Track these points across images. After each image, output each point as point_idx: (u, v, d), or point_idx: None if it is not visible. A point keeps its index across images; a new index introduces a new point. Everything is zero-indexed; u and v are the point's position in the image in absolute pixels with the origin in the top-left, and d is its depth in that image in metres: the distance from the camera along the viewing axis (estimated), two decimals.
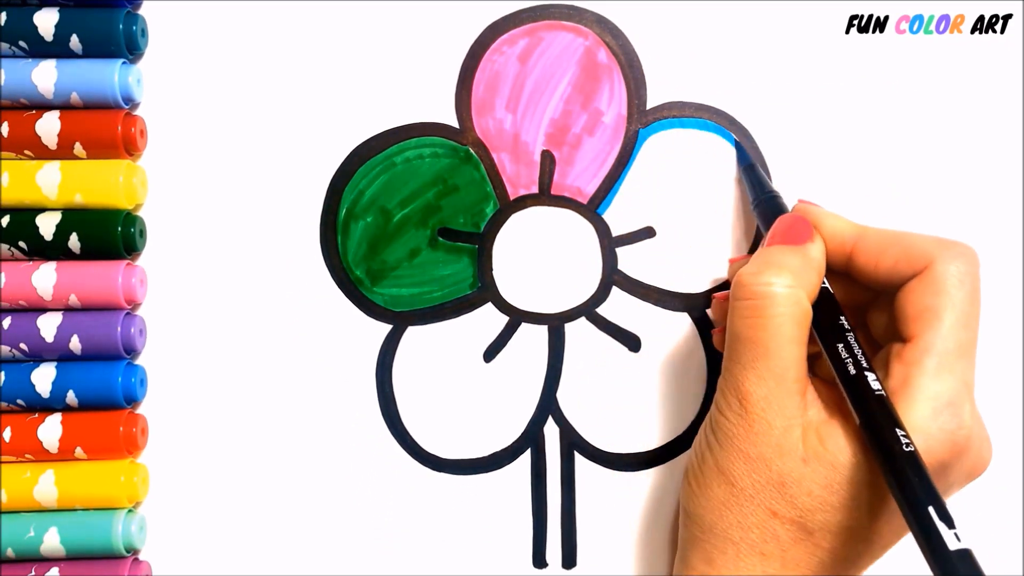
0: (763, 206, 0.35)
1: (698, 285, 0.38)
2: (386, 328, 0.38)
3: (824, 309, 0.31)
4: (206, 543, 0.38)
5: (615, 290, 0.38)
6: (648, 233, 0.38)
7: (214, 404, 0.38)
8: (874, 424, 0.28)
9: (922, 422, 0.28)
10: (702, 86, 0.38)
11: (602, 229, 0.38)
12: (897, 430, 0.27)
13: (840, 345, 0.30)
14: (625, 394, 0.38)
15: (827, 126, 0.38)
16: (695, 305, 0.38)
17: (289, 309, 0.38)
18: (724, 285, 0.38)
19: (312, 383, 0.38)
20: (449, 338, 0.38)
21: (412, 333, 0.38)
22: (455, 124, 0.38)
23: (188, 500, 0.38)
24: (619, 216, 0.38)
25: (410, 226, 0.38)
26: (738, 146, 0.37)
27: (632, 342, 0.38)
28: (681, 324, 0.38)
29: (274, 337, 0.38)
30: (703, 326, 0.38)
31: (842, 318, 0.31)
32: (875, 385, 0.29)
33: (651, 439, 0.38)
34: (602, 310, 0.38)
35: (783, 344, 0.29)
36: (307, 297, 0.38)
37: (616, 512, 0.38)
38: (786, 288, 0.30)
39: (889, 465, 0.27)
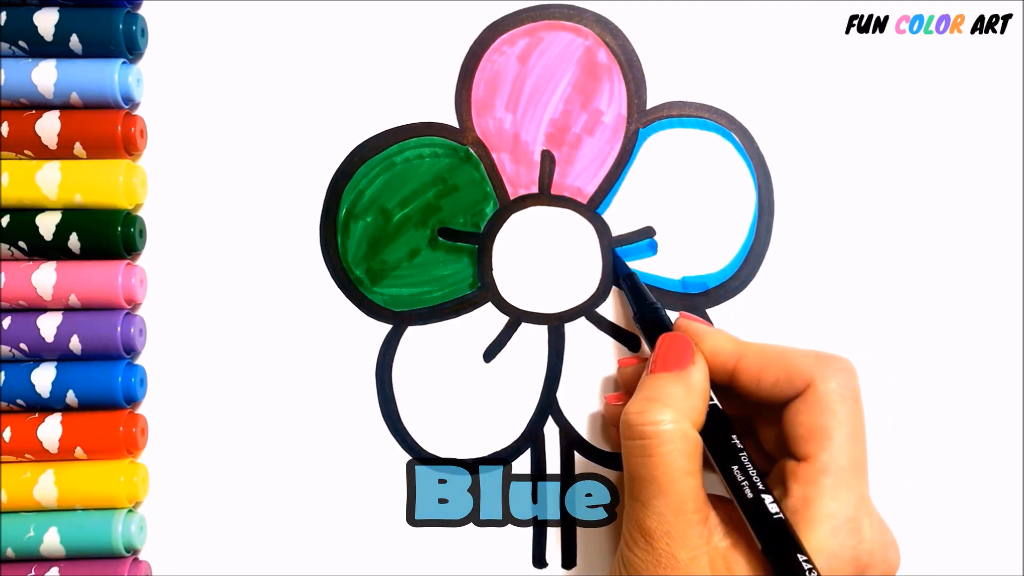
0: (645, 320, 0.35)
1: (697, 286, 0.38)
2: (386, 328, 0.38)
3: (714, 429, 0.31)
4: (206, 543, 0.38)
5: (615, 290, 0.38)
6: (648, 233, 0.38)
7: (214, 404, 0.38)
8: (776, 550, 0.28)
9: (824, 542, 0.29)
10: (702, 86, 0.38)
11: (602, 229, 0.38)
12: (799, 556, 0.28)
13: (735, 467, 0.30)
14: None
15: (827, 126, 0.38)
16: (694, 305, 0.38)
17: (289, 309, 0.38)
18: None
19: (312, 383, 0.38)
20: (449, 338, 0.38)
21: (412, 333, 0.38)
22: (455, 124, 0.38)
23: (188, 500, 0.38)
24: (619, 216, 0.38)
25: (410, 226, 0.38)
26: (615, 256, 0.37)
27: (632, 342, 0.38)
28: None
29: (274, 337, 0.38)
30: None
31: (733, 437, 0.31)
32: (773, 508, 0.29)
33: None
34: (602, 310, 0.38)
35: (676, 479, 0.29)
36: (307, 297, 0.38)
37: (612, 509, 0.38)
38: (672, 424, 0.30)
39: None
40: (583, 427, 0.38)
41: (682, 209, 0.38)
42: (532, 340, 0.38)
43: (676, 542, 0.29)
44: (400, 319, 0.38)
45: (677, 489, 0.29)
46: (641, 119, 0.38)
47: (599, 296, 0.38)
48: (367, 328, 0.38)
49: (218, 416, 0.38)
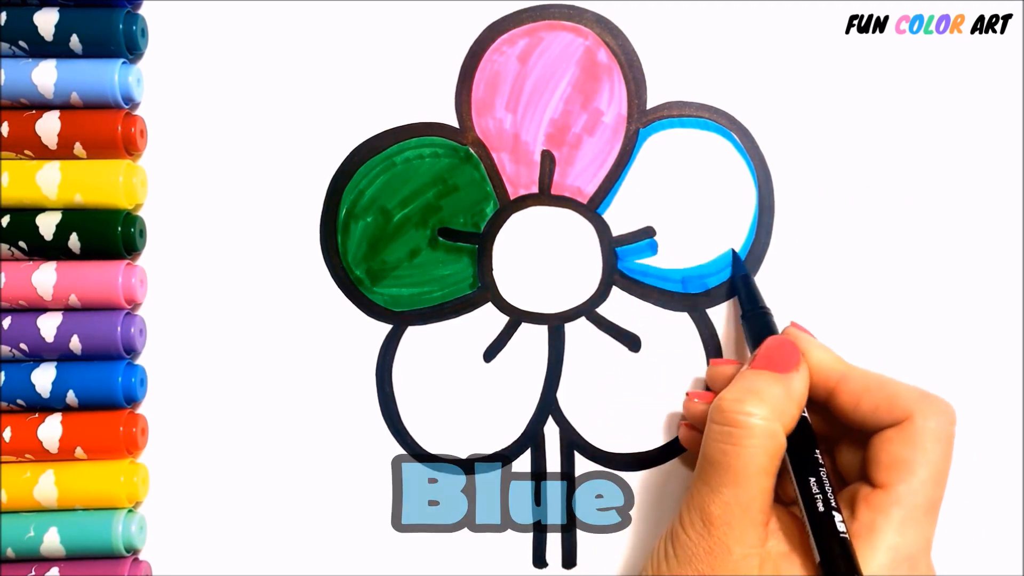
0: (753, 321, 0.35)
1: (698, 286, 0.38)
2: (386, 328, 0.38)
3: (799, 439, 0.31)
4: (206, 543, 0.37)
5: (615, 290, 0.38)
6: (648, 233, 0.38)
7: (214, 404, 0.38)
8: (834, 566, 0.28)
9: (879, 571, 0.29)
10: (702, 86, 0.38)
11: (602, 229, 0.38)
12: (860, 573, 0.28)
13: (812, 479, 0.30)
14: (625, 394, 0.37)
15: (827, 125, 0.38)
16: (695, 305, 0.38)
17: (289, 309, 0.38)
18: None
19: (312, 383, 0.37)
20: (449, 338, 0.38)
21: (412, 333, 0.38)
22: (455, 124, 0.38)
23: (188, 500, 0.37)
24: (619, 216, 0.38)
25: (410, 226, 0.38)
26: (734, 255, 0.37)
27: (632, 342, 0.38)
28: (681, 324, 0.38)
29: (274, 337, 0.38)
30: (703, 326, 0.38)
31: (816, 452, 0.31)
32: (840, 527, 0.29)
33: (650, 439, 0.37)
34: (602, 310, 0.38)
35: (753, 475, 0.29)
36: (307, 297, 0.38)
37: (614, 511, 0.38)
38: (764, 420, 0.30)
39: None
40: (583, 427, 0.38)
41: (682, 209, 0.38)
42: (532, 340, 0.38)
43: (734, 535, 0.29)
44: (400, 319, 0.38)
45: (751, 484, 0.29)
46: (641, 119, 0.38)
47: (599, 296, 0.38)
48: (367, 328, 0.38)
49: (218, 416, 0.38)
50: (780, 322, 0.35)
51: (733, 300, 0.38)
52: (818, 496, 0.30)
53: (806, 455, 0.31)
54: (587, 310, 0.38)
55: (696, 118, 0.38)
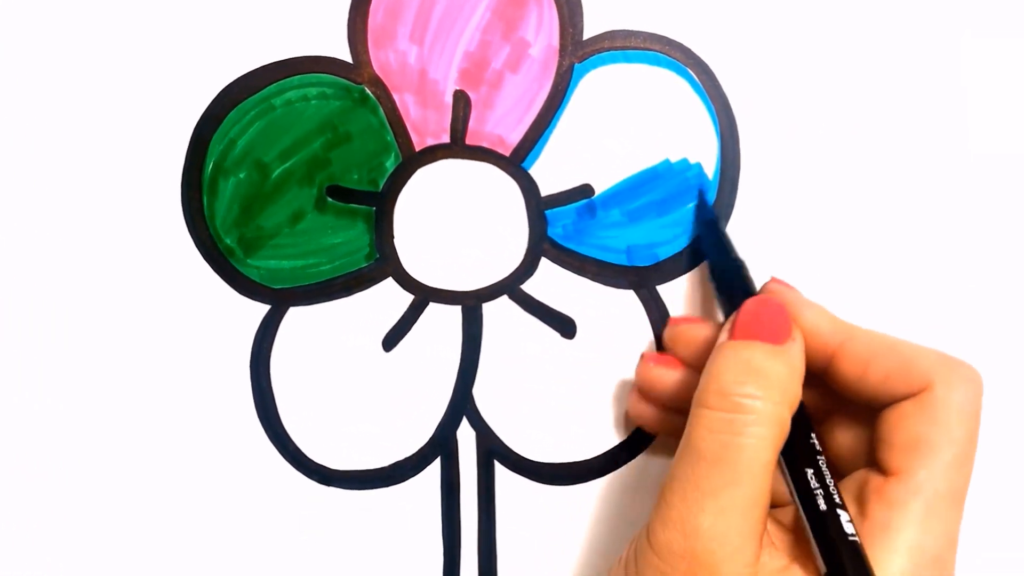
0: (725, 277, 0.31)
1: (646, 257, 0.33)
2: (263, 309, 0.34)
3: (793, 423, 0.28)
4: (46, 552, 0.34)
5: (544, 262, 0.34)
6: (585, 192, 0.33)
7: (60, 401, 0.34)
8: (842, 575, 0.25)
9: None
10: (652, 11, 0.33)
11: (529, 187, 0.33)
12: None
13: (809, 471, 0.27)
14: (556, 390, 0.34)
15: (802, 60, 0.34)
16: (643, 281, 0.33)
17: (144, 285, 0.33)
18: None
19: (173, 376, 0.33)
20: (340, 321, 0.34)
21: (294, 315, 0.34)
22: (347, 58, 0.33)
23: (33, 507, 0.34)
24: (549, 171, 0.33)
25: (292, 184, 0.33)
26: (700, 197, 0.33)
27: (565, 326, 0.34)
28: (625, 304, 0.34)
29: (126, 319, 0.33)
30: (652, 306, 0.33)
31: (812, 436, 0.28)
32: (848, 527, 0.26)
33: (588, 446, 0.34)
34: (528, 287, 0.34)
35: (758, 473, 0.26)
36: (166, 271, 0.33)
37: (543, 533, 0.33)
38: (773, 404, 0.26)
39: None
40: (505, 431, 0.34)
41: (627, 163, 0.33)
42: (442, 324, 0.34)
43: (726, 553, 0.25)
44: (280, 298, 0.34)
45: (755, 485, 0.26)
46: (577, 52, 0.33)
47: (525, 270, 0.33)
48: (239, 309, 0.34)
49: (64, 415, 0.34)
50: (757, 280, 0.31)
51: (689, 275, 0.34)
52: (818, 492, 0.27)
53: (800, 441, 0.28)
54: (510, 287, 0.34)
55: (644, 51, 0.33)
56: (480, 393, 0.33)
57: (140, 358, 0.33)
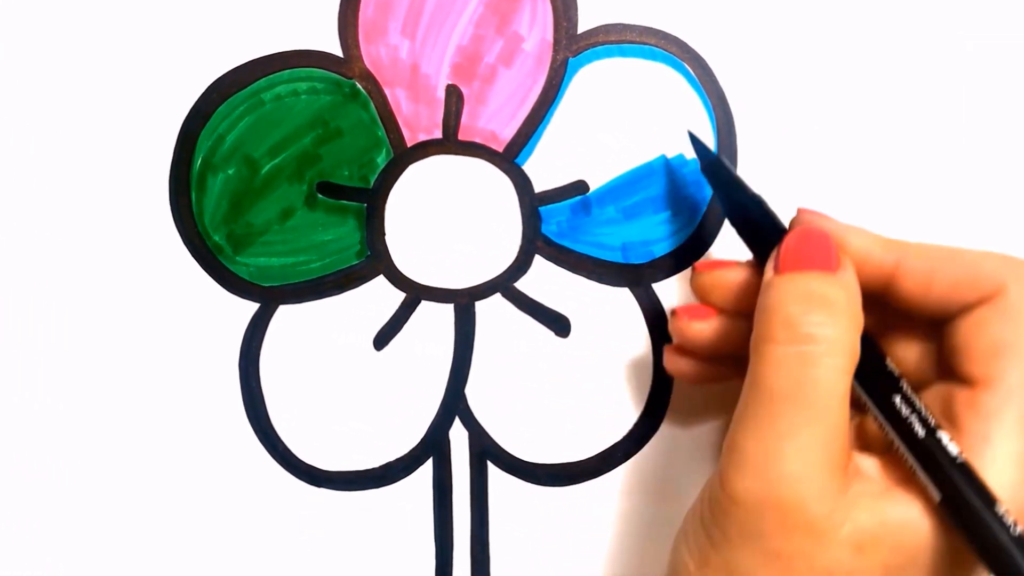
0: (747, 218, 0.29)
1: (642, 254, 0.33)
2: (252, 307, 0.33)
3: (864, 352, 0.26)
4: (41, 554, 0.33)
5: (538, 260, 0.33)
6: (579, 188, 0.33)
7: (44, 399, 0.33)
8: (963, 502, 0.24)
9: (1010, 490, 0.24)
10: (647, 5, 0.33)
11: (522, 184, 0.33)
12: (997, 508, 0.23)
13: (897, 398, 0.26)
14: (550, 390, 0.33)
15: (800, 57, 0.33)
16: (638, 279, 0.33)
17: (132, 283, 0.33)
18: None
19: (161, 375, 0.33)
20: (331, 319, 0.33)
21: (284, 313, 0.33)
22: (338, 52, 0.33)
23: (26, 508, 0.33)
24: (543, 168, 0.33)
25: (282, 180, 0.33)
26: (694, 140, 0.31)
27: (559, 324, 0.33)
28: (620, 302, 0.33)
29: (115, 318, 0.33)
30: (648, 304, 0.33)
31: (889, 362, 0.27)
32: (952, 448, 0.24)
33: (581, 447, 0.33)
34: (522, 285, 0.33)
35: (836, 405, 0.25)
36: (154, 268, 0.33)
37: (537, 536, 0.33)
38: (843, 331, 0.25)
39: (993, 556, 0.23)
40: (498, 431, 0.33)
41: (622, 159, 0.33)
42: (435, 322, 0.33)
43: (813, 490, 0.24)
44: (269, 296, 0.33)
45: (834, 418, 0.25)
46: (571, 46, 0.33)
47: (518, 267, 0.33)
48: (228, 307, 0.33)
49: (46, 414, 0.33)
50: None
51: (685, 273, 0.33)
52: (912, 418, 0.25)
53: (879, 368, 0.26)
54: (503, 285, 0.33)
55: (640, 45, 0.33)
56: (473, 393, 0.33)
57: (127, 357, 0.33)
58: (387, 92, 0.32)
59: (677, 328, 0.30)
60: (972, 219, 0.33)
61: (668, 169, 0.32)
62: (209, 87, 0.33)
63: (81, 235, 0.32)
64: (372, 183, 0.33)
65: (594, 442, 0.33)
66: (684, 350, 0.30)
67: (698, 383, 0.31)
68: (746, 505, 0.25)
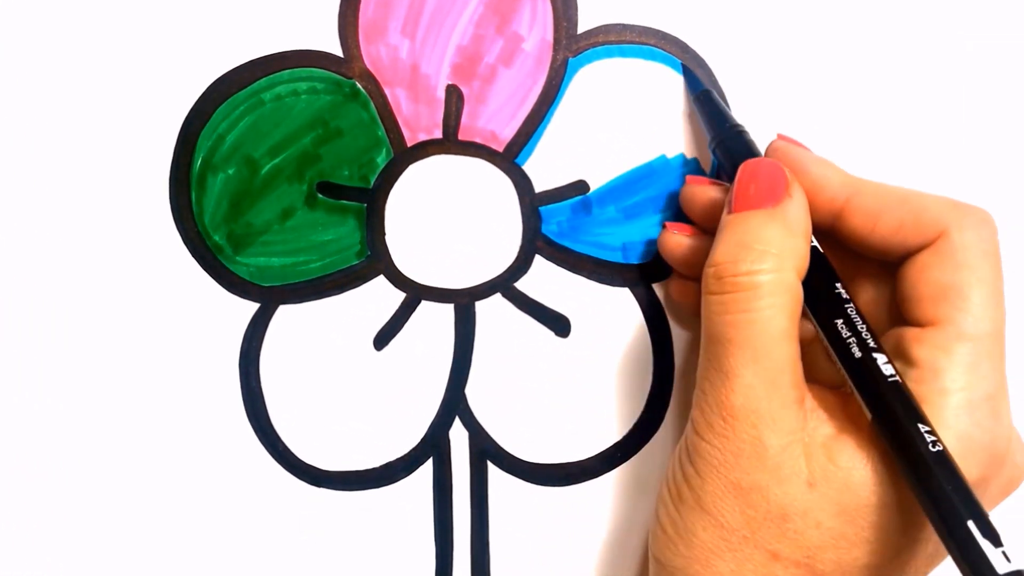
0: (726, 145, 0.30)
1: (642, 254, 0.33)
2: (252, 307, 0.33)
3: (814, 277, 0.27)
4: (41, 554, 0.33)
5: (538, 260, 0.33)
6: (579, 188, 0.33)
7: (44, 399, 0.33)
8: (891, 418, 0.25)
9: (957, 423, 0.25)
10: (647, 5, 0.33)
11: (522, 184, 0.33)
12: (920, 425, 0.24)
13: (839, 321, 0.26)
14: (550, 390, 0.33)
15: (802, 57, 0.33)
16: (639, 278, 0.33)
17: (132, 283, 0.33)
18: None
19: (161, 375, 0.33)
20: (331, 319, 0.33)
21: (284, 313, 0.33)
22: (338, 52, 0.33)
23: (26, 508, 0.33)
24: (543, 167, 0.33)
25: (282, 180, 0.33)
26: (687, 72, 0.32)
27: (560, 324, 0.33)
28: (620, 302, 0.33)
29: (115, 318, 0.33)
30: (648, 305, 0.33)
31: (838, 286, 0.27)
32: (887, 369, 0.25)
33: (581, 447, 0.33)
34: (522, 284, 0.33)
35: (775, 342, 0.26)
36: (154, 268, 0.33)
37: (537, 536, 0.33)
38: (772, 274, 0.26)
39: (913, 470, 0.24)
40: (498, 431, 0.33)
41: (622, 159, 0.33)
42: (435, 322, 0.33)
43: (766, 423, 0.26)
44: (270, 296, 0.33)
45: (774, 355, 0.26)
46: (571, 46, 0.33)
47: (518, 267, 0.33)
48: (228, 307, 0.33)
49: (46, 413, 0.33)
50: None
51: None
52: (851, 340, 0.26)
53: (826, 294, 0.27)
54: (503, 285, 0.33)
55: (640, 45, 0.33)
56: (473, 392, 0.33)
57: (127, 357, 0.32)
58: (387, 92, 0.32)
59: (660, 240, 0.31)
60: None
61: (668, 169, 0.32)
62: (209, 87, 0.32)
63: (81, 235, 0.32)
64: (372, 183, 0.32)
65: (594, 442, 0.33)
66: (677, 267, 0.31)
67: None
68: (709, 439, 0.26)
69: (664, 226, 0.31)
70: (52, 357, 0.32)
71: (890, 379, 0.25)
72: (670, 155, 0.32)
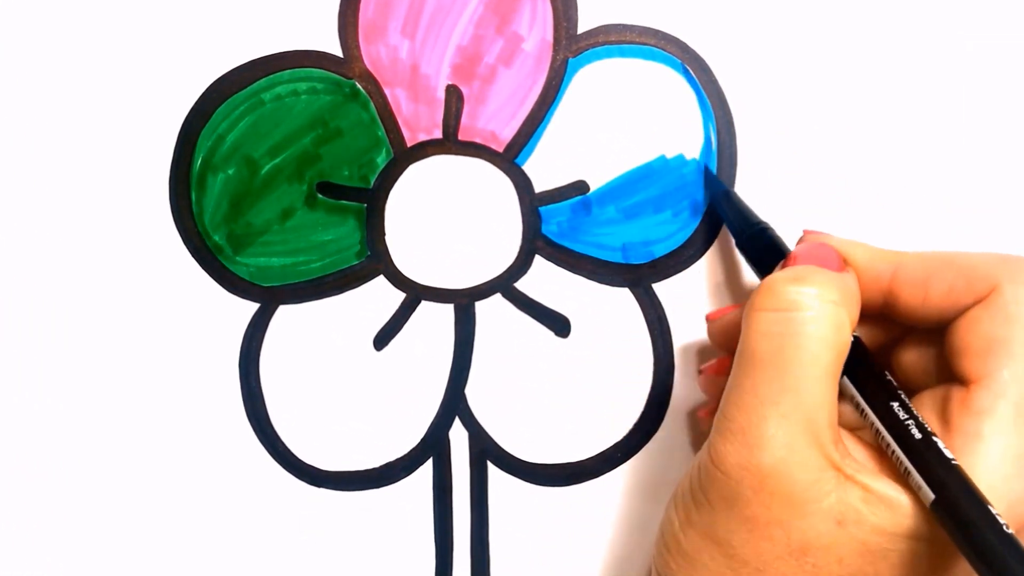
0: (753, 245, 0.30)
1: (642, 254, 0.33)
2: (252, 307, 0.33)
3: (862, 363, 0.27)
4: (41, 553, 0.33)
5: (538, 260, 0.33)
6: (579, 188, 0.33)
7: (43, 399, 0.33)
8: (956, 502, 0.24)
9: (1001, 485, 0.24)
10: (647, 5, 0.33)
11: (522, 184, 0.33)
12: (991, 508, 0.23)
13: (895, 404, 0.26)
14: (550, 390, 0.33)
15: (802, 58, 0.33)
16: (639, 279, 0.33)
17: (132, 283, 0.33)
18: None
19: (161, 375, 0.33)
20: (331, 320, 0.33)
21: (284, 313, 0.33)
22: (338, 52, 0.33)
23: (26, 508, 0.33)
24: (543, 168, 0.33)
25: (282, 180, 0.33)
26: (707, 172, 0.32)
27: (559, 325, 0.33)
28: (620, 302, 0.33)
29: (115, 318, 0.33)
30: (648, 305, 0.33)
31: (887, 373, 0.27)
32: (948, 453, 0.24)
33: (581, 447, 0.33)
34: (522, 285, 0.33)
35: (820, 376, 0.25)
36: (154, 268, 0.33)
37: (537, 536, 0.33)
38: (830, 302, 0.25)
39: (984, 558, 0.23)
40: (498, 431, 0.33)
41: (622, 159, 0.33)
42: (435, 322, 0.33)
43: (797, 459, 0.24)
44: (270, 296, 0.33)
45: (817, 391, 0.25)
46: (571, 46, 0.33)
47: (518, 268, 0.33)
48: (228, 307, 0.33)
49: (45, 414, 0.33)
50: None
51: (685, 273, 0.33)
52: (909, 423, 0.25)
53: (875, 378, 0.26)
54: (503, 285, 0.33)
55: (639, 45, 0.33)
56: (473, 393, 0.33)
57: (127, 357, 0.32)
58: (387, 92, 0.32)
59: (703, 385, 0.31)
60: (972, 219, 0.33)
61: (668, 169, 0.32)
62: (209, 87, 0.32)
63: (81, 235, 0.32)
64: (372, 183, 0.32)
65: (594, 442, 0.33)
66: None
67: None
68: (728, 471, 0.25)
69: (700, 372, 0.31)
70: (52, 357, 0.32)
71: (952, 462, 0.24)
72: (670, 155, 0.32)
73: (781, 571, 0.25)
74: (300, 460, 0.32)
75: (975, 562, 0.23)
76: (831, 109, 0.33)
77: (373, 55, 0.32)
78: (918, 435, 0.25)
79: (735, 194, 0.32)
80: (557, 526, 0.32)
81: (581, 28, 0.32)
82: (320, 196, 0.32)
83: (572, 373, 0.32)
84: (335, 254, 0.33)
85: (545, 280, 0.33)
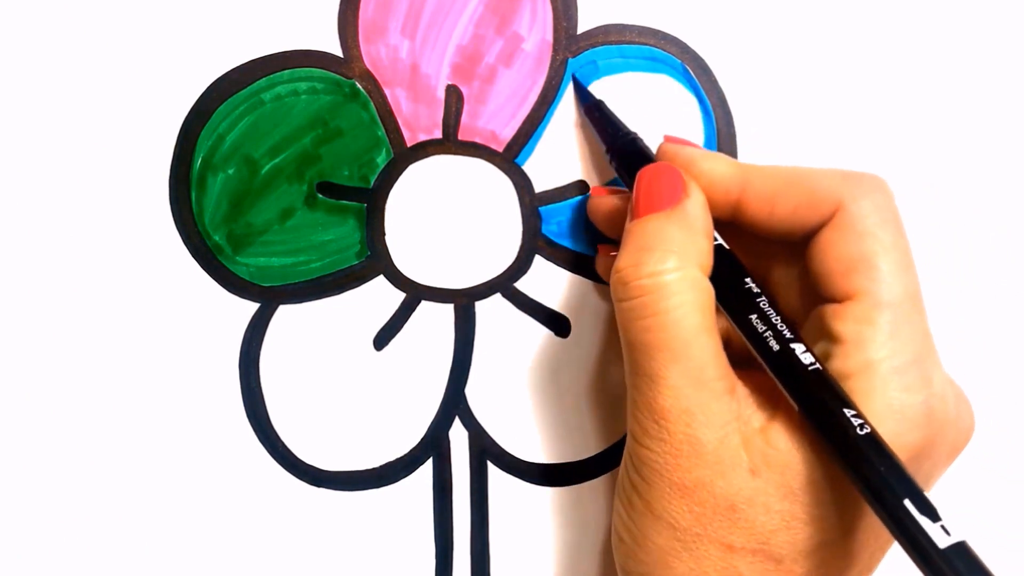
0: (620, 154, 0.30)
1: None
2: (252, 307, 0.33)
3: (723, 274, 0.27)
4: (40, 555, 0.32)
5: (538, 259, 0.33)
6: (579, 188, 0.32)
7: (43, 400, 0.32)
8: (816, 407, 0.24)
9: (887, 393, 0.25)
10: (646, 5, 0.32)
11: (522, 184, 0.32)
12: (846, 410, 0.24)
13: (753, 316, 0.26)
14: (550, 390, 0.33)
15: (804, 58, 0.33)
16: None
17: (132, 283, 0.32)
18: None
19: (161, 376, 0.32)
20: (331, 319, 0.33)
21: (284, 313, 0.33)
22: (338, 52, 0.32)
23: (26, 508, 0.32)
24: (543, 167, 0.33)
25: (282, 180, 0.32)
26: (577, 85, 0.32)
27: (559, 324, 0.33)
28: None
29: (115, 318, 0.32)
30: None
31: (748, 280, 0.27)
32: (806, 359, 0.25)
33: (582, 446, 0.33)
34: (522, 285, 0.33)
35: (691, 339, 0.26)
36: (153, 268, 0.32)
37: (537, 535, 0.33)
38: (676, 272, 0.26)
39: (845, 456, 0.24)
40: (498, 431, 0.33)
41: None
42: (435, 322, 0.33)
43: (698, 420, 0.25)
44: (270, 296, 0.32)
45: (693, 352, 0.25)
46: (571, 47, 0.32)
47: (518, 267, 0.33)
48: (228, 307, 0.32)
49: (44, 414, 0.32)
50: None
51: None
52: (767, 334, 0.26)
53: (736, 290, 0.27)
54: (503, 285, 0.33)
55: (639, 45, 0.32)
56: (473, 392, 0.33)
57: (126, 357, 0.32)
58: (387, 92, 0.32)
59: (588, 206, 0.32)
60: (972, 215, 0.33)
61: None
62: (209, 87, 0.32)
63: (81, 234, 0.32)
64: (372, 183, 0.32)
65: (593, 442, 0.33)
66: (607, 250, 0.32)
67: None
68: (648, 444, 0.26)
69: (591, 191, 0.31)
70: (52, 357, 0.32)
71: (811, 368, 0.25)
72: None
73: (719, 531, 0.25)
74: (300, 460, 0.32)
75: (842, 465, 0.24)
76: (831, 109, 0.32)
77: (373, 55, 0.32)
78: (776, 346, 0.25)
79: (606, 106, 0.31)
80: (557, 526, 0.32)
81: (581, 28, 0.32)
82: (320, 196, 0.32)
83: (572, 373, 0.32)
84: (335, 254, 0.32)
85: (545, 280, 0.32)
